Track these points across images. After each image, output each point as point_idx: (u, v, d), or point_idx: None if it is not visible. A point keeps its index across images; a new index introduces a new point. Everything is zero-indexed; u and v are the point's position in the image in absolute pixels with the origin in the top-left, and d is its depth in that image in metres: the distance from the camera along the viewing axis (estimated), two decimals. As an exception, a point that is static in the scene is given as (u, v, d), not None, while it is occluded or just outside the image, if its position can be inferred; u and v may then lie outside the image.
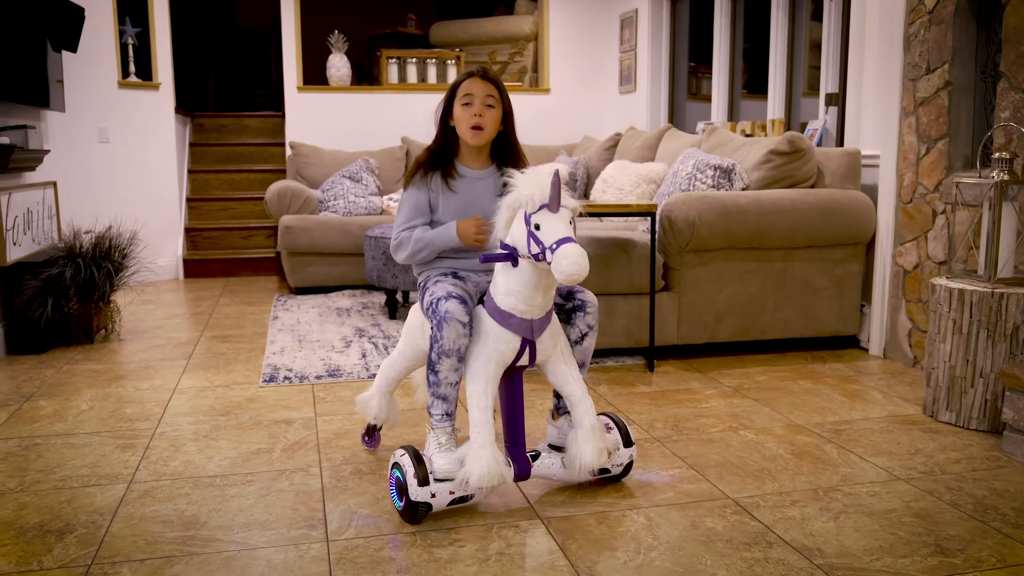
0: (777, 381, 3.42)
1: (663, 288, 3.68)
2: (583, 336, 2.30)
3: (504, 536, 2.07)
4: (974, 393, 2.82)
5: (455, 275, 2.31)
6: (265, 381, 3.42)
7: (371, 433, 2.67)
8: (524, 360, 2.17)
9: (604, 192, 4.90)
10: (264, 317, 4.76)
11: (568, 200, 2.03)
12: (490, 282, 2.21)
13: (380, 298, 5.24)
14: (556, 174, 2.00)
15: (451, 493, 2.12)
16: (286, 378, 3.47)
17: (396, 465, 2.18)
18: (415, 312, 2.40)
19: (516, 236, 2.05)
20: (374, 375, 3.50)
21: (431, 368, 2.15)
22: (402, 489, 2.14)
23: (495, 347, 2.12)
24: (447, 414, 2.19)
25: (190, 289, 5.81)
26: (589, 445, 2.18)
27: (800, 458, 2.58)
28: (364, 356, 3.81)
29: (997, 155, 2.84)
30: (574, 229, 2.02)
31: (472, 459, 2.07)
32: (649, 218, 3.51)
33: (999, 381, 2.74)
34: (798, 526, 2.12)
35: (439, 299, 2.14)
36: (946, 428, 2.86)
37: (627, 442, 2.37)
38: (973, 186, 3.00)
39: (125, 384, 3.42)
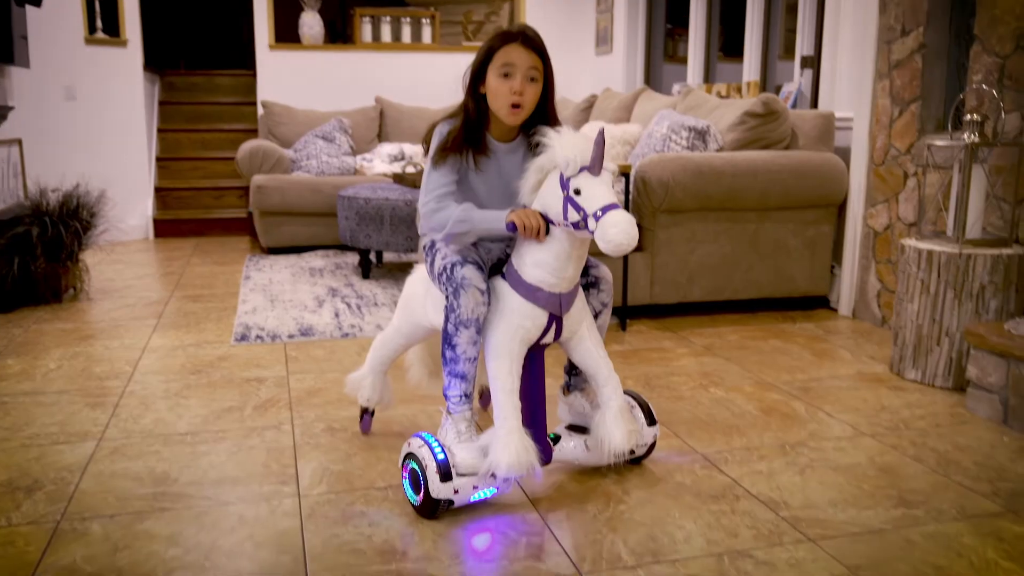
0: (748, 340, 3.45)
1: (636, 248, 3.68)
2: (597, 314, 2.16)
3: (475, 491, 2.08)
4: (940, 352, 2.87)
5: None
6: (237, 340, 3.40)
7: (362, 416, 2.45)
8: (549, 337, 1.99)
9: (579, 153, 4.87)
10: (236, 277, 4.72)
11: (609, 163, 1.86)
12: (503, 250, 2.04)
13: (353, 258, 5.21)
14: (601, 132, 1.80)
15: (475, 488, 1.93)
16: (258, 337, 3.45)
17: (412, 456, 1.96)
18: (416, 282, 2.19)
19: (549, 201, 1.86)
20: (347, 334, 3.49)
21: (447, 342, 1.95)
22: (417, 483, 1.94)
23: (520, 324, 1.93)
24: (465, 395, 1.99)
25: (160, 249, 5.74)
26: (619, 428, 2.02)
27: (768, 415, 2.62)
28: (337, 316, 3.80)
29: (968, 118, 2.86)
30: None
31: (500, 446, 1.87)
32: (623, 179, 3.51)
33: (964, 340, 2.79)
34: (765, 480, 2.15)
35: (454, 264, 1.93)
36: (912, 385, 2.91)
37: (650, 421, 2.21)
38: (944, 148, 3.02)
39: (94, 343, 3.39)
